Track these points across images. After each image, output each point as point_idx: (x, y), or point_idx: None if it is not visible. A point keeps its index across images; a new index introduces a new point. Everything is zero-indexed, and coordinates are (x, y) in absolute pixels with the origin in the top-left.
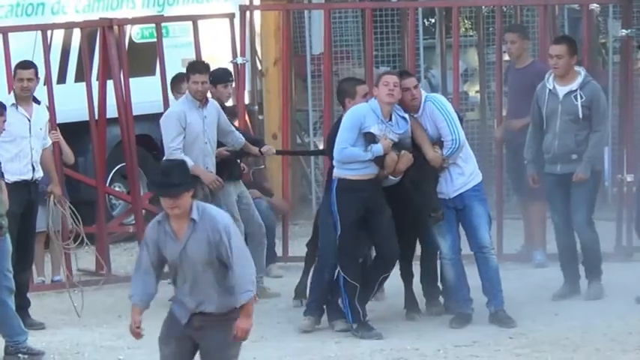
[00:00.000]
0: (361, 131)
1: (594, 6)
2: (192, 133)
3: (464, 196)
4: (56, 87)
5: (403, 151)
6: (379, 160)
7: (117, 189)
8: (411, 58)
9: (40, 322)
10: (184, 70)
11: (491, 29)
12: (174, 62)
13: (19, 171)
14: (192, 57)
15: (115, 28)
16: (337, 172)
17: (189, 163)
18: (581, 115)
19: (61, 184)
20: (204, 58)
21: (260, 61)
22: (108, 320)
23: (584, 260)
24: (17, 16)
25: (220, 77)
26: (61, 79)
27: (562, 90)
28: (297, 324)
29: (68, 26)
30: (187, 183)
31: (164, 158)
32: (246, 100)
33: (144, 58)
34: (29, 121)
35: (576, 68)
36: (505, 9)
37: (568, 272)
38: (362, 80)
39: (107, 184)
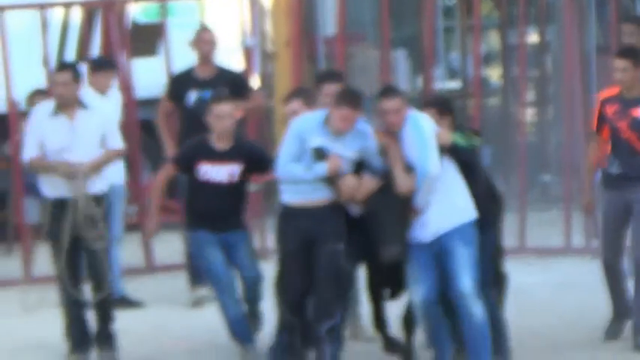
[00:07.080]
0: (305, 145)
1: None
2: None
3: (442, 238)
4: None
5: (365, 177)
6: (333, 183)
7: None
8: (429, 41)
9: None
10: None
11: (514, 11)
12: (179, 44)
13: (61, 186)
14: None
15: (118, 7)
16: (282, 196)
17: None
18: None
19: None
20: None
21: (270, 43)
22: None
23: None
24: None
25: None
26: (60, 60)
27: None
28: None
29: (68, 4)
30: None
31: None
32: (257, 84)
33: (147, 40)
34: (72, 130)
35: None
36: None
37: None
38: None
39: None
